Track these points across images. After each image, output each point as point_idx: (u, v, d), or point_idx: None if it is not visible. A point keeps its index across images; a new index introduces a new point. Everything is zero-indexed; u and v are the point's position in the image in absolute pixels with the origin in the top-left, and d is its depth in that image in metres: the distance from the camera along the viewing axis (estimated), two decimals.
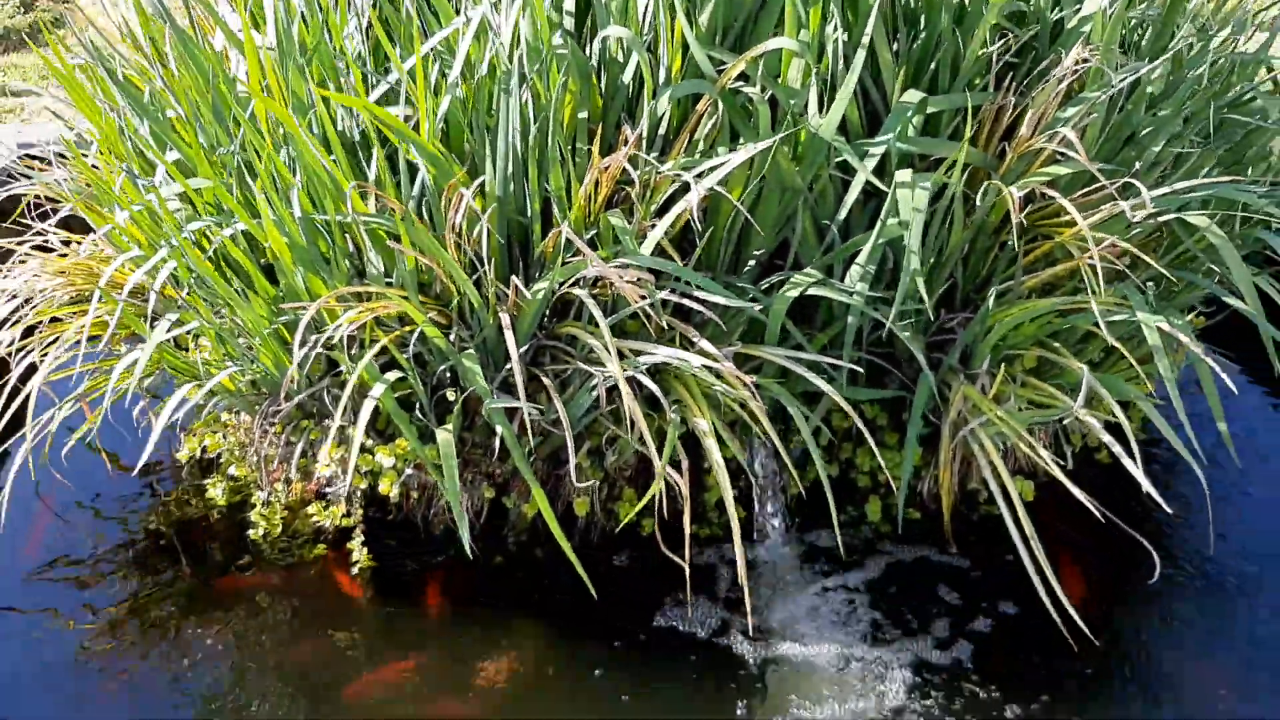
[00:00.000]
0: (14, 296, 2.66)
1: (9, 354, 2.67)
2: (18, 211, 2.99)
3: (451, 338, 2.28)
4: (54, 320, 2.72)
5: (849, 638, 2.44)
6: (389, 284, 2.28)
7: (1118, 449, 2.24)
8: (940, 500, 2.64)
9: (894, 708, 2.28)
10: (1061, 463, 2.41)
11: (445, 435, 2.24)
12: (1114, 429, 2.30)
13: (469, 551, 2.30)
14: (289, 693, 2.34)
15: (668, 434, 2.22)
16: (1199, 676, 2.37)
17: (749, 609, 2.37)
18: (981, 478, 2.69)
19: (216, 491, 2.76)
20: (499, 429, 2.25)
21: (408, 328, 2.28)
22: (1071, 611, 2.26)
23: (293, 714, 2.28)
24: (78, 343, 2.67)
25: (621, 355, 2.21)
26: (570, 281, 2.23)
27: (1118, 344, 2.32)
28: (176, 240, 2.27)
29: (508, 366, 2.32)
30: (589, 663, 2.39)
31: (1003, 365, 2.42)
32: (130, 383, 2.31)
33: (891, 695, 2.31)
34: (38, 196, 2.97)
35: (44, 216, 2.92)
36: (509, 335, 2.13)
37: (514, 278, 2.18)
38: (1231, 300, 2.35)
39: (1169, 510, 2.55)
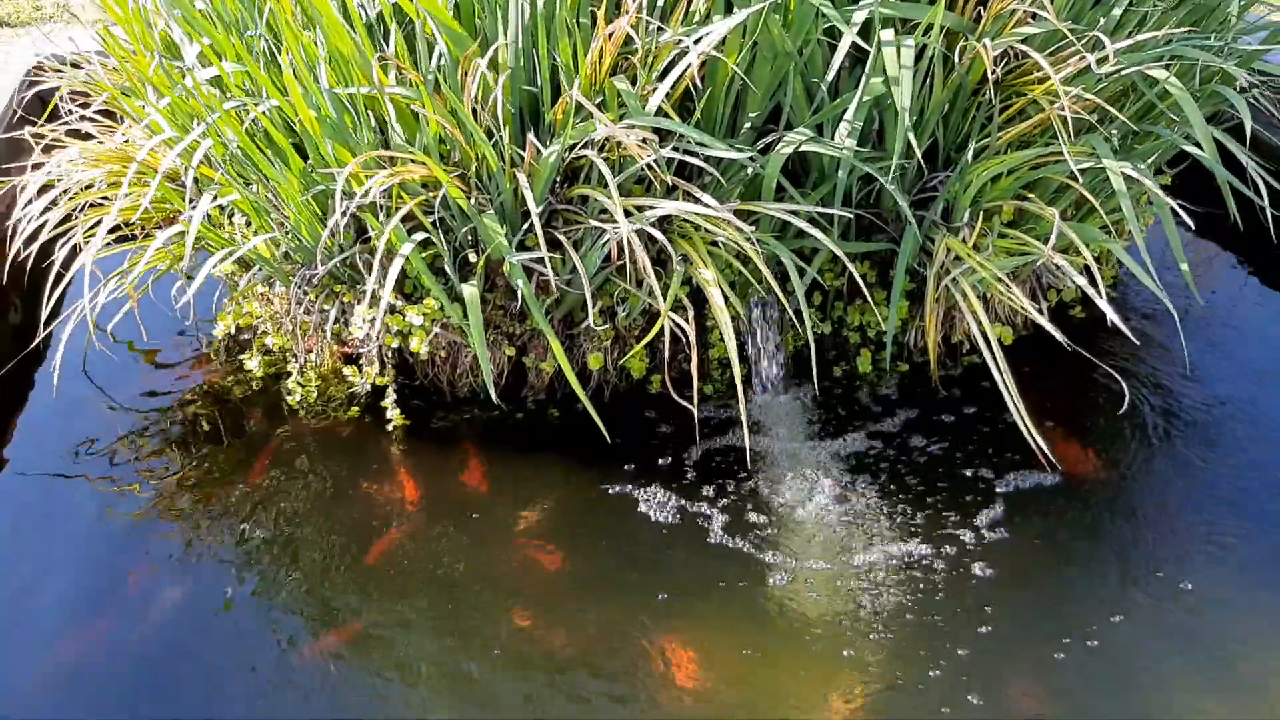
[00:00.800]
0: (53, 185, 2.83)
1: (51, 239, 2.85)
2: (50, 107, 3.15)
3: (471, 202, 2.46)
4: (91, 206, 2.90)
5: (839, 464, 2.67)
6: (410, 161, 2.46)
7: (1089, 289, 2.44)
8: (925, 352, 2.86)
9: (879, 532, 2.51)
10: (1038, 307, 2.62)
11: (471, 290, 2.43)
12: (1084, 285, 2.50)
13: (494, 402, 2.50)
14: (337, 540, 2.55)
15: (672, 283, 2.42)
16: (1161, 495, 2.60)
17: (747, 440, 2.59)
18: (964, 329, 2.90)
19: (253, 364, 2.96)
20: (519, 287, 2.44)
21: (432, 193, 2.46)
22: (1039, 437, 2.48)
23: (339, 561, 2.50)
24: (116, 228, 2.85)
25: (628, 213, 2.40)
26: (580, 144, 2.41)
27: (1087, 194, 2.52)
28: (215, 116, 2.44)
29: (524, 228, 2.51)
30: (611, 495, 2.61)
31: (981, 218, 2.61)
32: (187, 248, 2.48)
33: (876, 522, 2.54)
34: (61, 102, 3.15)
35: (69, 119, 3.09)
36: (527, 192, 2.32)
37: (529, 135, 2.36)
38: (1190, 149, 2.54)
39: (1135, 341, 2.78)
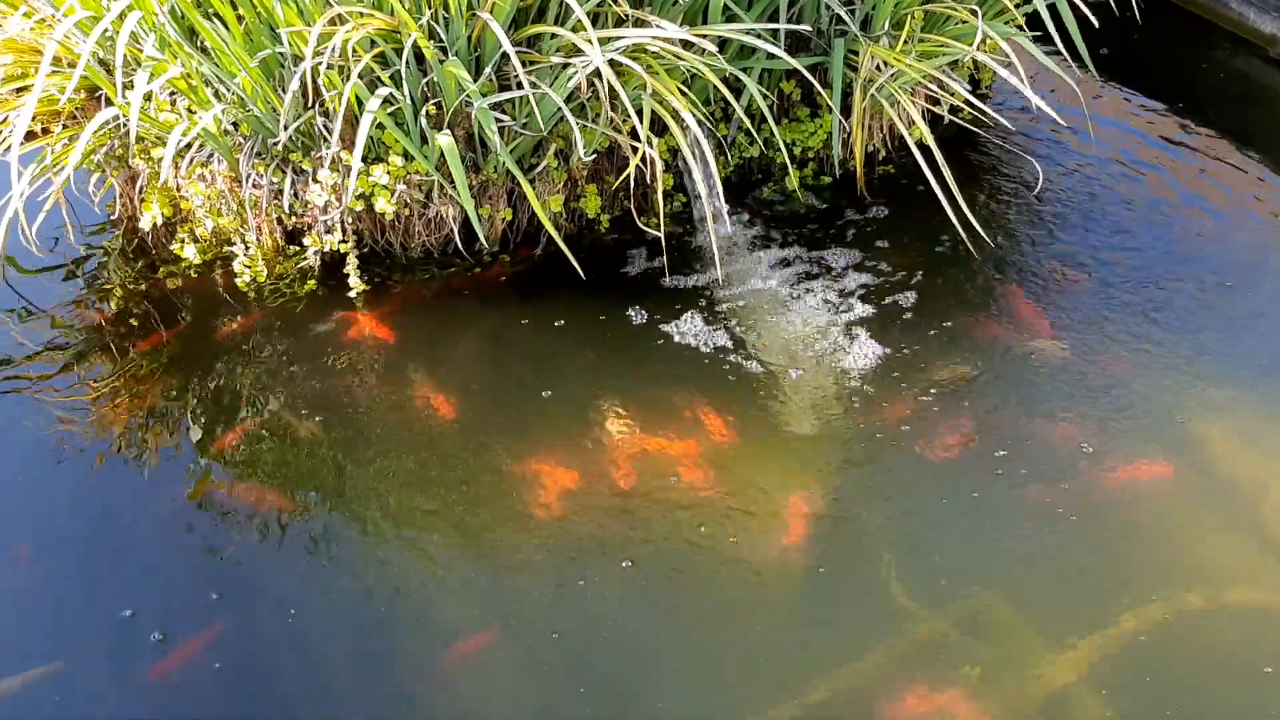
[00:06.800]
0: None
1: None
2: None
3: (433, 50, 2.46)
4: None
5: (776, 261, 2.92)
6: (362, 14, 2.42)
7: (1012, 78, 2.67)
8: (846, 165, 3.06)
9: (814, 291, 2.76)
10: (945, 111, 2.84)
11: (448, 138, 2.45)
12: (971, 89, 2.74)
13: (450, 258, 2.55)
14: (321, 418, 2.56)
15: (645, 108, 2.50)
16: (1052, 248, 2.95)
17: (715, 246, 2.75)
18: (881, 138, 3.11)
19: (189, 251, 2.86)
20: (490, 132, 2.47)
21: (392, 45, 2.44)
22: (967, 213, 2.73)
23: (324, 426, 2.53)
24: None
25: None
26: None
27: None
28: None
29: (479, 77, 2.53)
30: (569, 308, 2.81)
31: (898, 27, 2.79)
32: (132, 130, 2.38)
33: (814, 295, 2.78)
34: None
35: None
36: (495, 27, 2.34)
37: None
38: None
39: (1039, 120, 3.09)
